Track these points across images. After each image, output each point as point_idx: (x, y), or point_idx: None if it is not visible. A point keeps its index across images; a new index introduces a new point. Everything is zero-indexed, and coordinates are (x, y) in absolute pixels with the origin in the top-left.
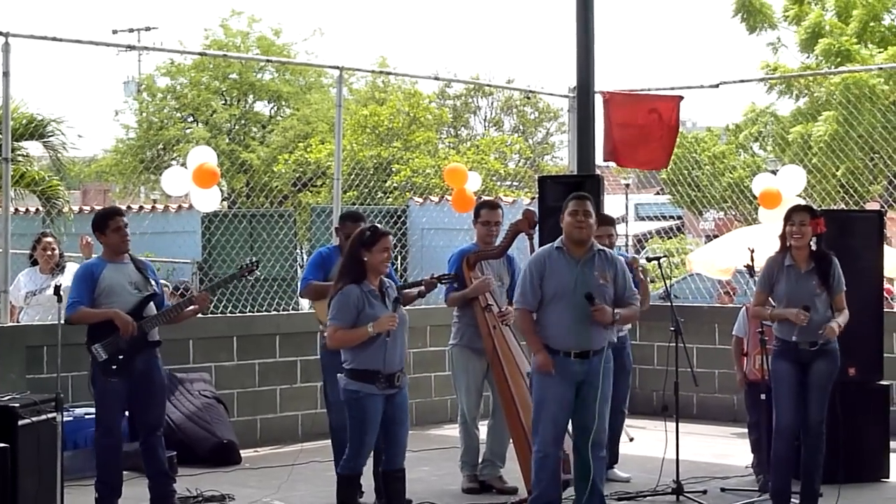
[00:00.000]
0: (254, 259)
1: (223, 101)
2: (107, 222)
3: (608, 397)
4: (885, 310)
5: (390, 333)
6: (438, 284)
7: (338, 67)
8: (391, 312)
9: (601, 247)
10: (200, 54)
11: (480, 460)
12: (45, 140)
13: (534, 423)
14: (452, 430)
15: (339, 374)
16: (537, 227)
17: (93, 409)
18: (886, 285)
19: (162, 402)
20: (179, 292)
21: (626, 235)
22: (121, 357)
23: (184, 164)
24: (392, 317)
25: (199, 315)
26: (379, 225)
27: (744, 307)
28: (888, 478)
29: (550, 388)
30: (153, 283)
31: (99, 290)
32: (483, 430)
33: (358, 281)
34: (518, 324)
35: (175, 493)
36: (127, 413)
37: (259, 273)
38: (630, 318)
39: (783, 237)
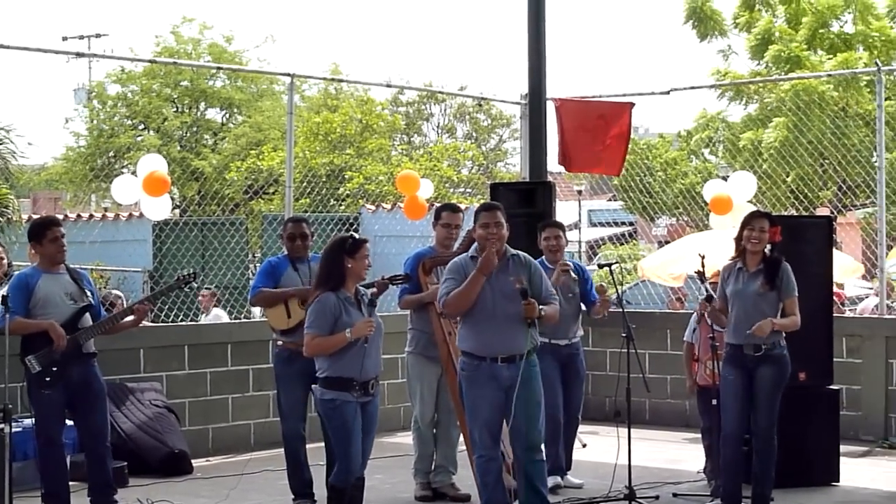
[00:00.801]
0: (192, 270)
1: (174, 109)
2: (44, 232)
3: (539, 400)
4: (834, 314)
5: (368, 339)
6: (390, 286)
7: (289, 74)
8: (367, 318)
9: (514, 251)
10: (151, 61)
11: (433, 467)
12: None
13: (469, 429)
14: (405, 438)
15: (314, 386)
16: None
17: None
18: (836, 290)
19: (103, 410)
20: (107, 306)
21: (580, 242)
22: (55, 369)
23: (134, 173)
24: (369, 322)
25: (150, 324)
26: (354, 234)
27: (694, 313)
28: (838, 482)
29: (479, 394)
30: (89, 293)
31: (34, 300)
32: None
33: (336, 289)
34: (449, 308)
35: None
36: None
37: (210, 281)
38: (553, 317)
39: (738, 240)
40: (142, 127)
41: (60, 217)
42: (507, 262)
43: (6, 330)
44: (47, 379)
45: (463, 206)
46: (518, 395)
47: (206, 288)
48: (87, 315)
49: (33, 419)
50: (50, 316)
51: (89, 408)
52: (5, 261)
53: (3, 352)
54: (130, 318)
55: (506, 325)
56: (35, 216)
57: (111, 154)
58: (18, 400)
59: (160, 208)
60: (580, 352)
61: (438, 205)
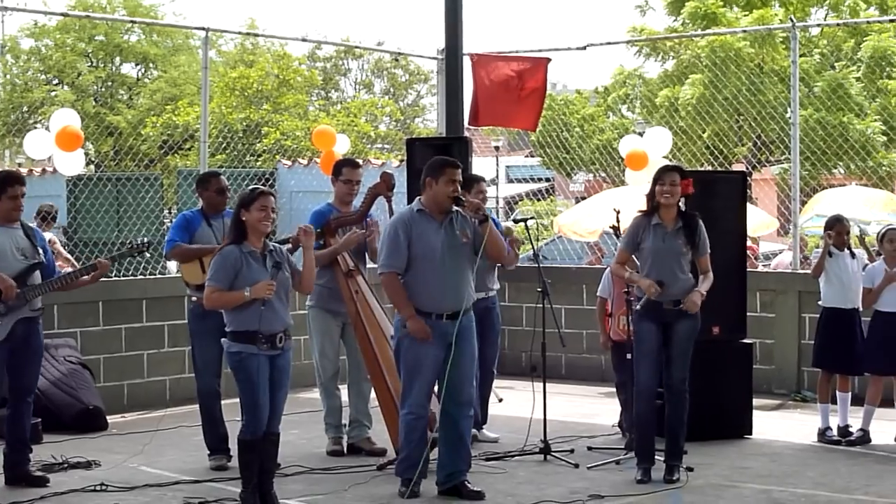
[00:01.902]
0: (146, 239)
1: (89, 64)
2: (4, 188)
3: (474, 356)
4: (748, 269)
5: (265, 302)
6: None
7: (204, 29)
8: (269, 280)
9: (454, 207)
10: (64, 15)
11: (347, 422)
12: None
13: (404, 386)
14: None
15: (222, 339)
16: (406, 189)
17: None
18: (750, 245)
19: (37, 370)
20: None
21: (497, 198)
22: None
23: (47, 128)
24: (269, 284)
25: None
26: (259, 186)
27: (608, 268)
28: (751, 434)
29: (422, 351)
30: (41, 251)
31: None
32: (344, 391)
33: (238, 241)
34: (387, 288)
35: (29, 462)
36: None
37: (125, 237)
38: (501, 245)
39: (650, 196)
40: (56, 82)
41: None
42: (451, 217)
43: None
44: None
45: (380, 162)
46: (458, 350)
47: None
48: (38, 273)
49: None
50: None
51: (24, 364)
52: None
53: None
54: (89, 275)
55: (453, 281)
56: None
57: (24, 109)
58: None
59: (74, 163)
60: (496, 305)
61: (338, 160)
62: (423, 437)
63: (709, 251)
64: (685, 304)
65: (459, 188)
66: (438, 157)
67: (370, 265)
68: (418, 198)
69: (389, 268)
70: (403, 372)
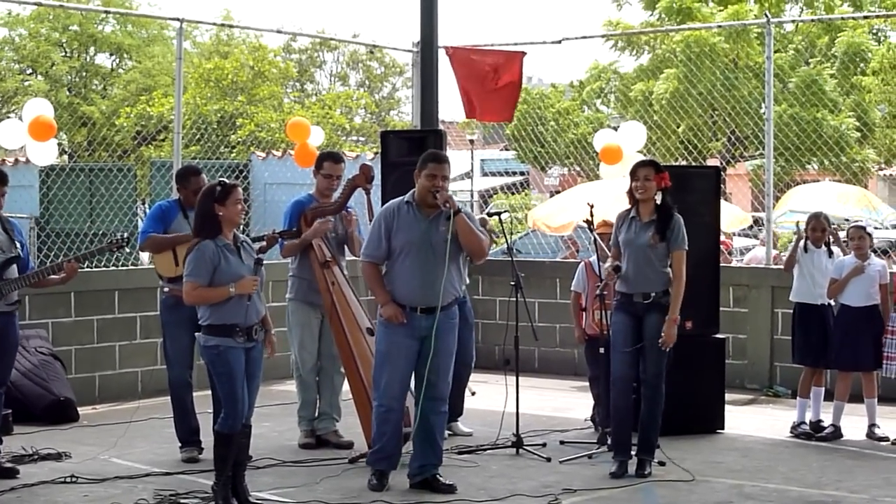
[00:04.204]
0: (125, 235)
1: (63, 54)
2: None
3: (452, 352)
4: (721, 264)
5: (251, 296)
6: (279, 240)
7: (179, 20)
8: (253, 276)
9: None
10: (38, 4)
11: (316, 414)
12: None
13: (375, 377)
14: (293, 385)
15: (196, 333)
16: (380, 182)
17: None
18: (724, 240)
19: (11, 362)
20: None
21: (472, 191)
22: None
23: (20, 117)
24: (254, 280)
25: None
26: (224, 179)
27: (582, 262)
28: (723, 429)
29: (395, 343)
30: (18, 245)
31: None
32: None
33: (213, 236)
34: (365, 276)
35: None
36: None
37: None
38: (476, 238)
39: (630, 193)
40: (29, 72)
41: None
42: (439, 213)
43: None
44: None
45: (354, 154)
46: (432, 346)
47: None
48: (14, 266)
49: None
50: None
51: (0, 357)
52: None
53: None
54: (60, 275)
55: (430, 276)
56: None
57: None
58: None
59: (46, 153)
60: (468, 300)
61: (321, 152)
62: (396, 429)
63: (685, 248)
64: (662, 341)
65: (442, 183)
66: (429, 151)
67: (349, 257)
68: (412, 190)
69: (367, 257)
70: (375, 363)
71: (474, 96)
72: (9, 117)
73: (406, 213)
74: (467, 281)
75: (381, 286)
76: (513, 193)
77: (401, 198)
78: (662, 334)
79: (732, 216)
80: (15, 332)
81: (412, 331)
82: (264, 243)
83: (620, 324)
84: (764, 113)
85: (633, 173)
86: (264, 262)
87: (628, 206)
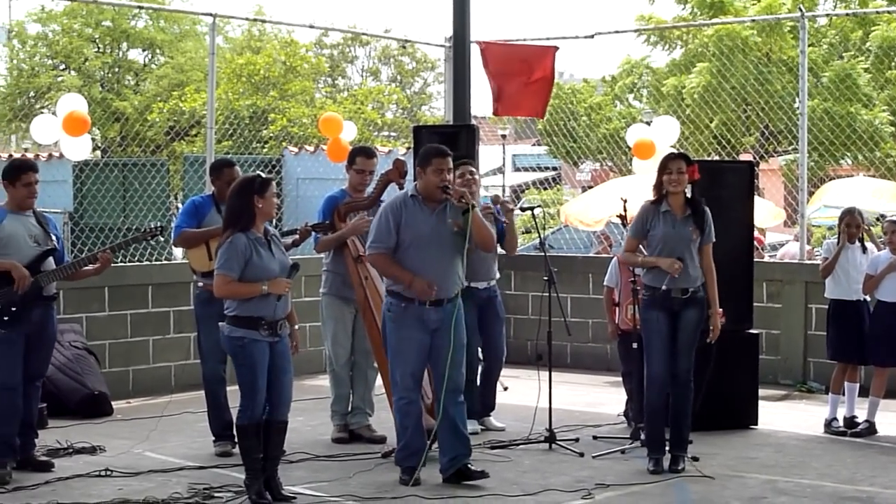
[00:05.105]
0: (159, 224)
1: (96, 49)
2: (19, 175)
3: (463, 343)
4: (755, 260)
5: (281, 297)
6: (313, 233)
7: (212, 14)
8: (287, 279)
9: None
10: (71, 0)
11: (349, 409)
12: None
13: (392, 373)
14: (326, 380)
15: (220, 323)
16: (412, 177)
17: None
18: (757, 235)
19: (48, 354)
20: None
21: (503, 186)
22: (13, 309)
23: (54, 113)
24: (288, 283)
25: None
26: (260, 172)
27: (615, 257)
28: (756, 424)
29: (404, 338)
30: (53, 237)
31: None
32: None
33: (246, 229)
34: (378, 264)
35: (35, 447)
36: None
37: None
38: (486, 231)
39: (657, 187)
40: (62, 67)
41: None
42: (445, 206)
43: None
44: (5, 318)
45: (386, 150)
46: (444, 337)
47: None
48: (51, 259)
49: None
50: (12, 257)
51: (37, 350)
52: None
53: None
54: (94, 265)
55: (438, 268)
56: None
57: (31, 94)
58: None
59: (80, 148)
60: (498, 294)
61: (353, 147)
62: (417, 422)
63: (713, 241)
64: (712, 335)
65: (448, 177)
66: (430, 146)
67: None
68: (414, 183)
69: (377, 248)
70: (390, 359)
71: (506, 91)
72: (42, 113)
73: (413, 207)
74: (498, 275)
75: (400, 268)
76: (545, 188)
77: (403, 192)
78: (711, 328)
79: (766, 211)
80: (53, 325)
81: (422, 324)
82: (297, 236)
83: (655, 321)
84: (797, 107)
85: (665, 166)
86: (297, 255)
87: (652, 199)
